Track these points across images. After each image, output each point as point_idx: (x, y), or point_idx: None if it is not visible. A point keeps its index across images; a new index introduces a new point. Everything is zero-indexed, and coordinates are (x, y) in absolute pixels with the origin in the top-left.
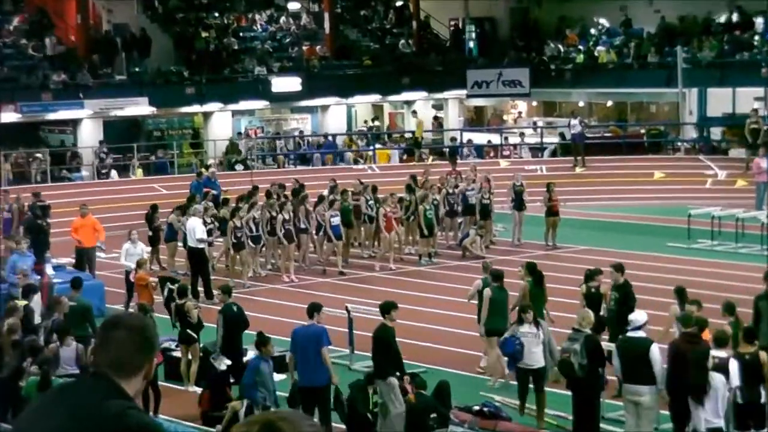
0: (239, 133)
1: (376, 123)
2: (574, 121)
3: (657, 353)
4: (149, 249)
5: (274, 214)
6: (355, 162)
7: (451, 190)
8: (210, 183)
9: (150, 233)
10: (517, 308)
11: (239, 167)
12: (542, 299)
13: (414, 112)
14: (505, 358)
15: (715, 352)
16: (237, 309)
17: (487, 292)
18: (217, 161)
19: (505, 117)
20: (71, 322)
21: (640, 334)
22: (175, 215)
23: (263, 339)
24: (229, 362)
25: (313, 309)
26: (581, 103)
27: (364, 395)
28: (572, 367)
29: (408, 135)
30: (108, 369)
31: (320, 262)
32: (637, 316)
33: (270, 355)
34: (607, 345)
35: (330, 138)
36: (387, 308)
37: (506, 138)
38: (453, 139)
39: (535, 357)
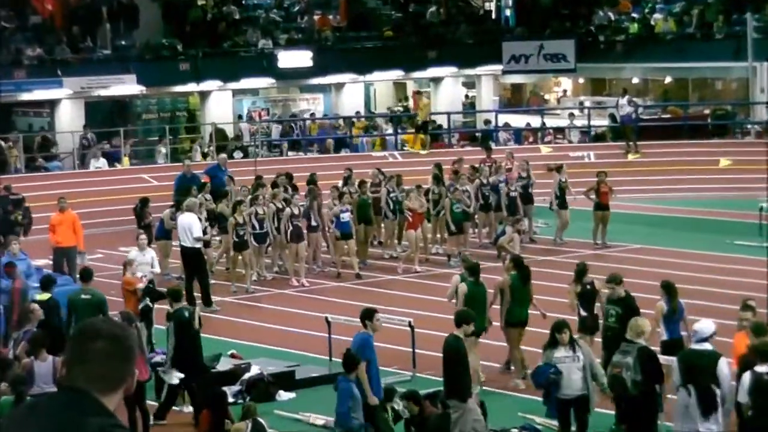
0: (240, 116)
1: (401, 105)
2: (623, 101)
3: (726, 369)
4: (155, 254)
5: (281, 206)
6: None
7: (485, 181)
8: (217, 172)
9: (140, 230)
10: (552, 331)
11: (238, 155)
12: (527, 300)
13: (418, 92)
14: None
15: (759, 368)
16: (189, 315)
17: (462, 287)
18: (207, 149)
19: (546, 96)
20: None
21: (706, 346)
22: (170, 210)
23: (354, 361)
24: (181, 375)
25: (364, 316)
26: (635, 80)
27: (383, 418)
28: (624, 385)
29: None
30: (87, 384)
31: (334, 263)
32: (703, 325)
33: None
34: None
35: (341, 121)
36: (462, 319)
37: (543, 122)
38: (487, 122)
39: (575, 384)
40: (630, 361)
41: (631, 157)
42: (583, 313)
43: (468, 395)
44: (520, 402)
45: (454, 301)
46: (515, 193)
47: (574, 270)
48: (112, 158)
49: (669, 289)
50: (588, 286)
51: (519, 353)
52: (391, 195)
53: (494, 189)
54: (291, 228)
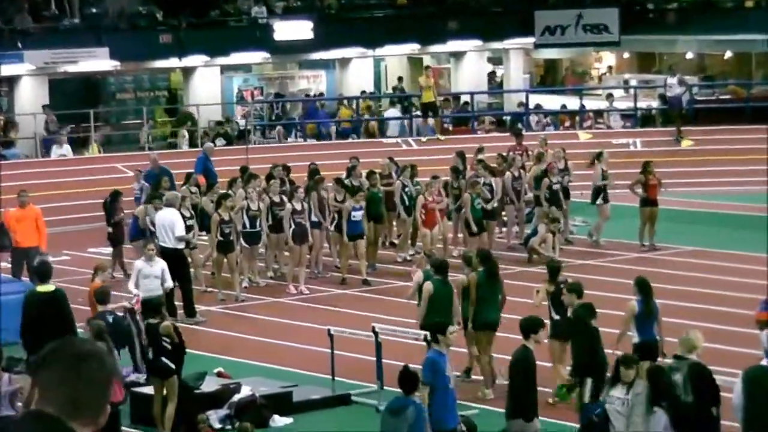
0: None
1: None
2: (673, 80)
3: None
4: (164, 265)
5: (277, 200)
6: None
7: (516, 173)
8: (208, 164)
9: (109, 229)
10: (616, 360)
11: (221, 141)
12: (495, 300)
13: (427, 67)
14: None
15: None
16: (114, 320)
17: (428, 286)
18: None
19: (585, 73)
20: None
21: None
22: (145, 207)
23: (414, 379)
24: None
25: (435, 329)
26: (689, 55)
27: None
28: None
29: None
30: (59, 411)
31: (338, 267)
32: None
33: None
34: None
35: (346, 103)
36: (531, 327)
37: (582, 105)
38: (519, 105)
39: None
40: (680, 379)
41: (684, 144)
42: (556, 317)
43: (534, 415)
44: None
45: (415, 302)
46: (557, 186)
47: (546, 268)
48: (79, 144)
49: (643, 288)
50: (562, 286)
51: (488, 360)
52: (406, 189)
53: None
54: (293, 226)
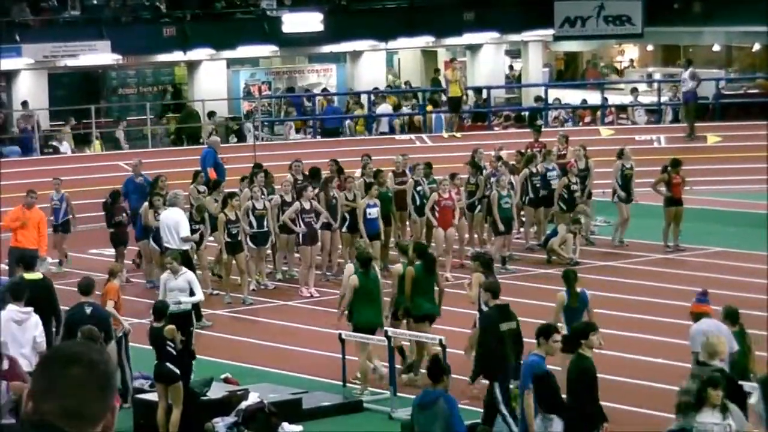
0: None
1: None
2: (686, 75)
3: None
4: (190, 277)
5: (288, 200)
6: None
7: (535, 170)
8: (216, 159)
9: (111, 230)
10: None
11: (232, 139)
12: (432, 292)
13: (453, 60)
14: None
15: None
16: (92, 311)
17: (353, 279)
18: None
19: (606, 67)
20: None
21: None
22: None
23: (441, 369)
24: None
25: (540, 333)
26: (716, 47)
27: None
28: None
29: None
30: (59, 419)
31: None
32: None
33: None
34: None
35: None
36: (585, 331)
37: (605, 98)
38: (538, 99)
39: None
40: (694, 387)
41: (710, 140)
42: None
43: (597, 429)
44: None
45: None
46: (577, 186)
47: (479, 261)
48: (80, 141)
49: (568, 279)
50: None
51: (427, 349)
52: (418, 189)
53: (542, 180)
54: (302, 226)
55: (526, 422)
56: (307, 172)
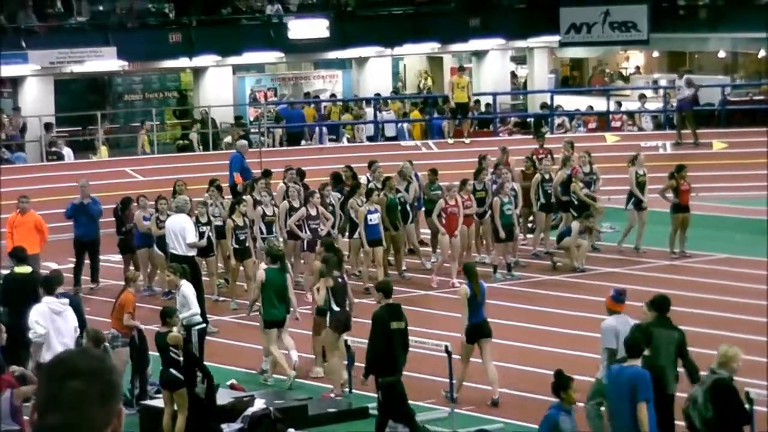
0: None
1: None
2: (681, 82)
3: None
4: (185, 291)
5: (296, 206)
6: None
7: (546, 176)
8: (243, 163)
9: (120, 236)
10: None
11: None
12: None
13: (461, 68)
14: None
15: None
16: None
17: (261, 274)
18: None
19: (611, 72)
20: None
21: None
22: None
23: (563, 381)
24: None
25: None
26: (722, 54)
27: None
28: (692, 423)
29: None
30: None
31: (356, 275)
32: None
33: (572, 403)
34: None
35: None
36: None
37: (618, 103)
38: (543, 106)
39: None
40: (699, 393)
41: (716, 147)
42: (336, 309)
43: None
44: None
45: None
46: (584, 191)
47: (324, 262)
48: (85, 147)
49: (470, 272)
50: (339, 280)
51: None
52: (399, 195)
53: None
54: (308, 233)
55: None
56: (302, 180)
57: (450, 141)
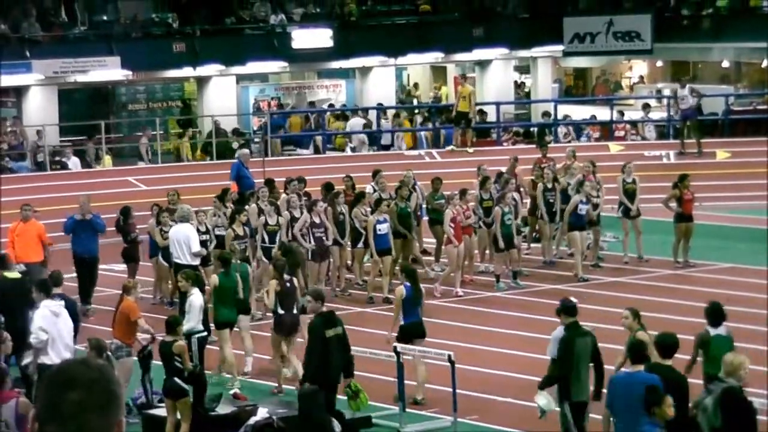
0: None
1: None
2: (684, 92)
3: None
4: (192, 299)
5: (297, 215)
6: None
7: (549, 185)
8: (243, 171)
9: (125, 245)
10: None
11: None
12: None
13: (464, 76)
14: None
15: None
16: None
17: (213, 279)
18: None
19: (615, 82)
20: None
21: None
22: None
23: (656, 397)
24: None
25: (637, 352)
26: (725, 63)
27: None
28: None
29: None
30: None
31: (359, 284)
32: None
33: (666, 418)
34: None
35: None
36: (670, 346)
37: (621, 113)
38: (546, 115)
39: None
40: (709, 402)
41: (720, 156)
42: (281, 312)
43: None
44: None
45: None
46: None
47: (275, 266)
48: (91, 157)
49: (411, 274)
50: (288, 285)
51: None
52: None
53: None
54: (312, 242)
55: None
56: (303, 191)
57: (449, 149)
